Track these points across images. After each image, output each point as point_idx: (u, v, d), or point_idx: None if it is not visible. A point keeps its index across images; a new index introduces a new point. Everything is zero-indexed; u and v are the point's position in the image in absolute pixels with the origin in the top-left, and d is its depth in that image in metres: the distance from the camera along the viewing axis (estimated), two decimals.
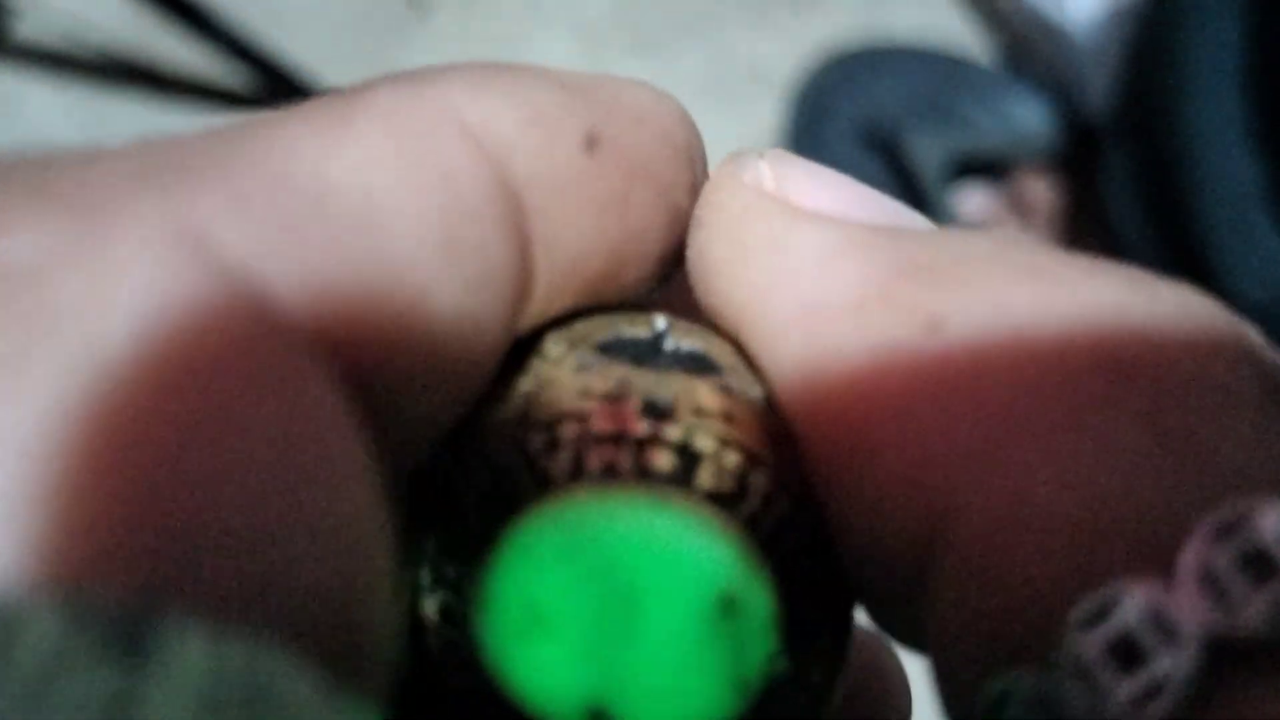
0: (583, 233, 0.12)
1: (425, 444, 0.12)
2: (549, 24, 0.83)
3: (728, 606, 0.12)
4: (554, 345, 0.13)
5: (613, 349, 0.13)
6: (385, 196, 0.11)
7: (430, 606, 0.13)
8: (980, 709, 0.10)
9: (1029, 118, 0.75)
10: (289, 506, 0.09)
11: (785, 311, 0.12)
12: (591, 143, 0.12)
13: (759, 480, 0.12)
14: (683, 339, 0.14)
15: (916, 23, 0.82)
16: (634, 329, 0.14)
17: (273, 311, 0.10)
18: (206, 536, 0.09)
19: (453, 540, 0.13)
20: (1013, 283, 0.11)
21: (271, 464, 0.09)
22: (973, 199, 0.76)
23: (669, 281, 0.14)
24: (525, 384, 0.13)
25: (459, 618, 0.13)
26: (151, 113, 0.81)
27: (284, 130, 0.11)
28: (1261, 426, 0.10)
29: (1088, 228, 0.71)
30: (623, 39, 0.83)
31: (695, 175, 0.14)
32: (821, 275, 0.12)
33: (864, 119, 0.75)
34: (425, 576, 0.13)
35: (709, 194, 0.14)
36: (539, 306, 0.13)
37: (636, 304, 0.14)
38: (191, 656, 0.08)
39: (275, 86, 0.77)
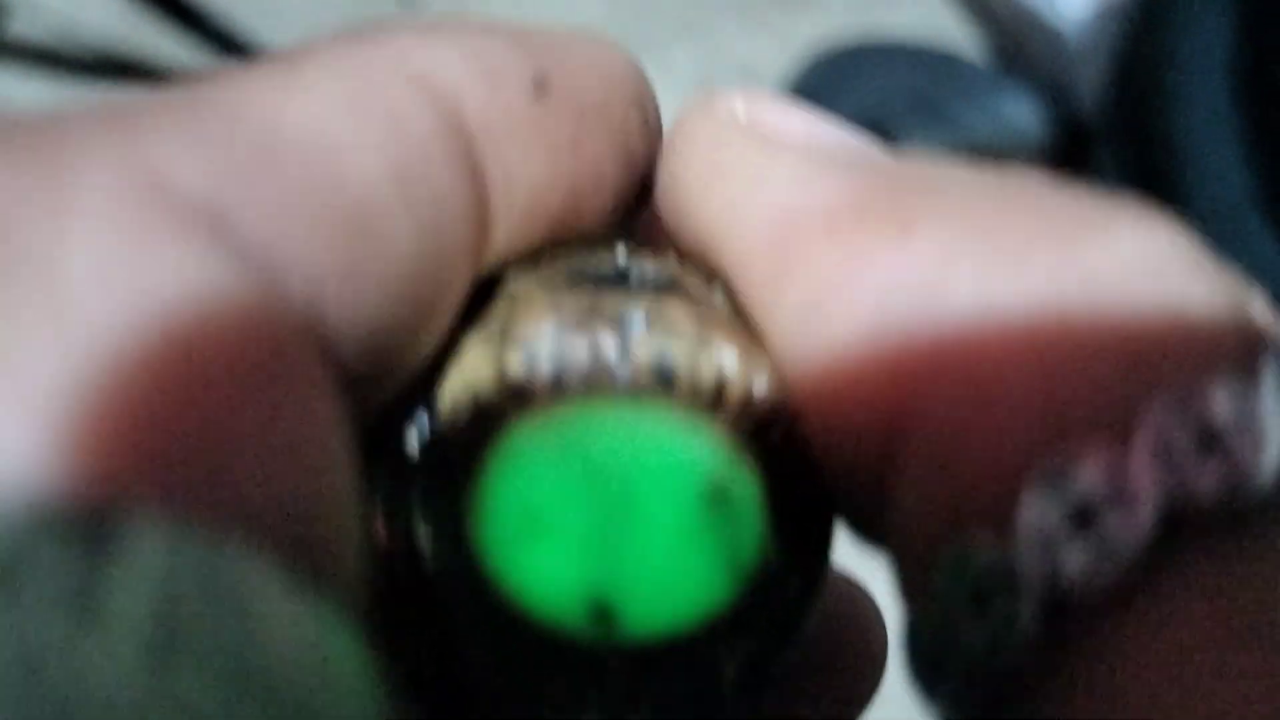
0: (538, 173, 0.13)
1: (394, 384, 0.12)
2: (540, 22, 0.83)
3: (717, 495, 0.12)
4: (522, 277, 0.14)
5: (579, 277, 0.14)
6: (337, 138, 0.11)
7: (423, 531, 0.13)
8: (938, 579, 0.11)
9: (1020, 115, 0.76)
10: (254, 419, 0.10)
11: (758, 225, 0.13)
12: (541, 86, 0.13)
13: (736, 382, 0.13)
14: (646, 264, 0.14)
15: (907, 21, 0.82)
16: (597, 259, 0.14)
17: (232, 242, 0.10)
18: (172, 443, 0.09)
19: (440, 464, 0.13)
20: (985, 197, 0.12)
21: (236, 380, 0.10)
22: None
23: (626, 225, 0.15)
24: (497, 312, 0.13)
25: (454, 537, 0.13)
26: None
27: (237, 82, 0.11)
28: (1217, 335, 0.11)
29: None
30: (614, 38, 0.83)
31: (646, 118, 0.14)
32: (796, 190, 0.13)
33: (855, 117, 0.75)
34: (416, 503, 0.13)
35: (682, 124, 0.14)
36: (500, 247, 0.13)
37: (597, 236, 0.15)
38: (152, 553, 0.08)
39: None
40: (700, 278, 0.14)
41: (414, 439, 0.13)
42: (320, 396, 0.10)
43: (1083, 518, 0.10)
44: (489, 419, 0.13)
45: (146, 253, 0.09)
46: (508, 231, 0.13)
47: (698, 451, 0.12)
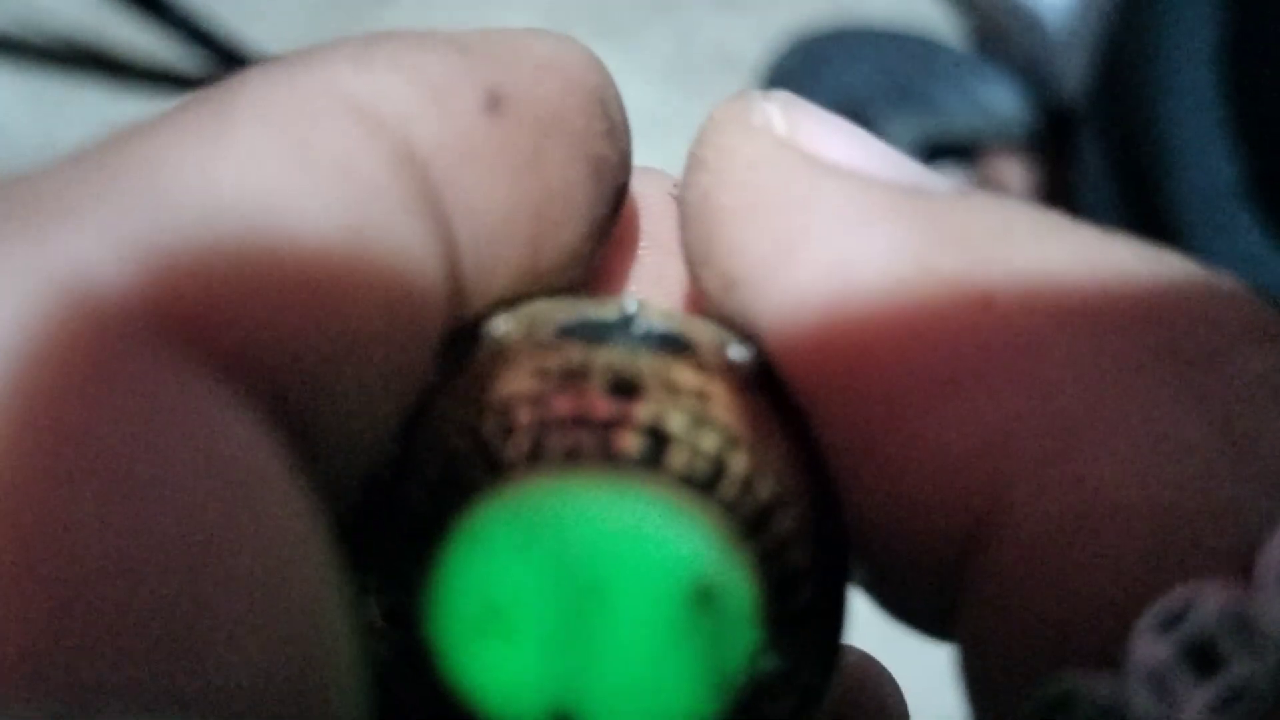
0: (500, 198, 0.12)
1: (371, 451, 0.11)
2: (513, 8, 0.82)
3: (703, 597, 0.11)
4: (509, 326, 0.12)
5: (576, 330, 0.12)
6: (280, 196, 0.10)
7: (377, 610, 0.12)
8: (1030, 714, 0.10)
9: (1000, 100, 0.75)
10: (217, 564, 0.08)
11: (809, 273, 0.11)
12: (493, 102, 0.12)
13: (739, 462, 0.12)
14: (656, 320, 0.12)
15: (886, 5, 0.82)
16: (600, 311, 0.12)
17: (175, 348, 0.09)
18: (128, 623, 0.08)
19: (401, 536, 0.12)
20: (1061, 258, 0.11)
21: (190, 519, 0.08)
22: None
23: (608, 239, 0.14)
24: (477, 366, 0.12)
25: (409, 620, 0.11)
26: (109, 100, 0.79)
27: (160, 142, 0.10)
28: None
29: (1061, 211, 0.71)
30: (588, 22, 0.82)
31: (611, 120, 0.13)
32: (851, 237, 0.11)
33: (834, 102, 0.75)
34: (372, 577, 0.12)
35: (712, 135, 0.13)
36: (472, 284, 0.12)
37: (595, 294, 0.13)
38: None
39: (233, 72, 0.76)
40: (716, 330, 0.13)
41: (376, 500, 0.12)
42: (301, 521, 0.09)
43: (1203, 656, 0.09)
44: (455, 488, 0.11)
45: (78, 380, 0.08)
46: (476, 263, 0.12)
47: (683, 542, 0.11)
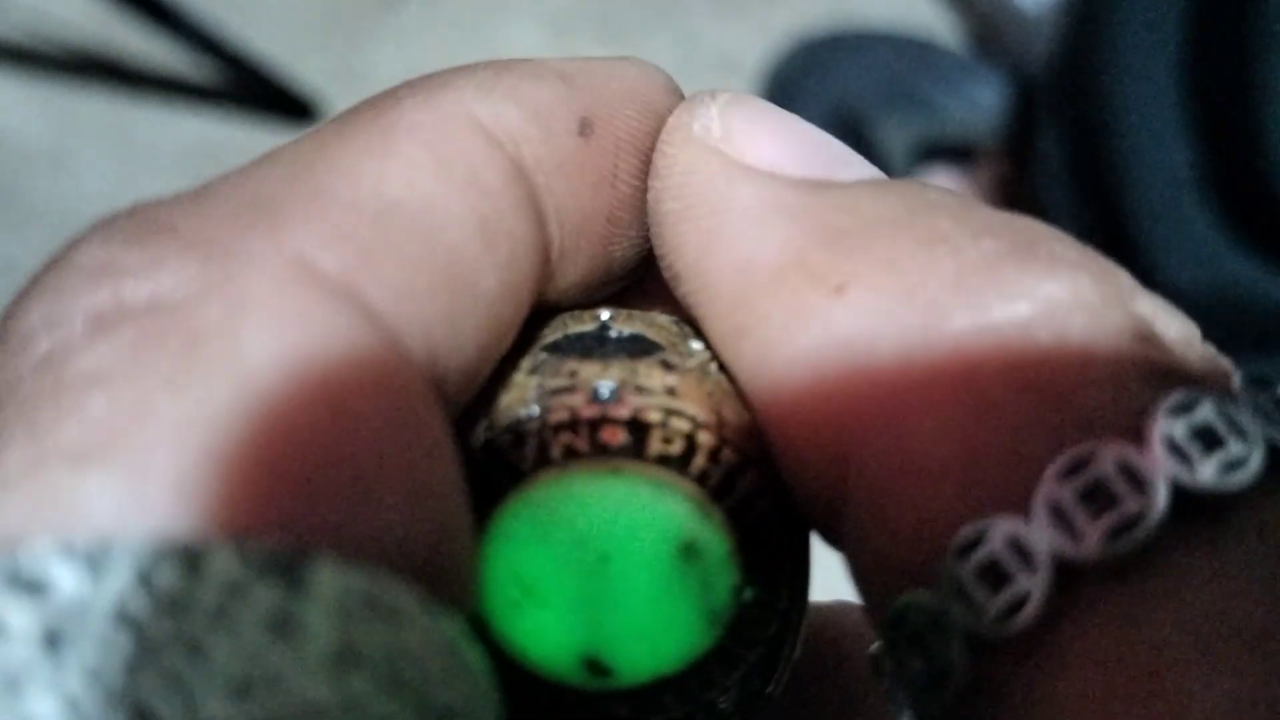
0: (583, 204, 0.15)
1: (466, 400, 0.14)
2: (517, 14, 0.83)
3: (688, 551, 0.13)
4: (518, 358, 0.15)
5: (562, 347, 0.15)
6: (433, 202, 0.13)
7: None
8: (888, 621, 0.12)
9: (995, 102, 0.76)
10: (395, 464, 0.12)
11: (721, 273, 0.14)
12: (585, 127, 0.14)
13: (705, 439, 0.14)
14: (624, 325, 0.15)
15: (883, 8, 0.82)
16: (580, 325, 0.15)
17: (370, 318, 0.12)
18: (338, 491, 0.11)
19: None
20: (909, 248, 0.13)
21: (380, 430, 0.12)
22: (940, 183, 0.76)
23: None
24: (491, 390, 0.15)
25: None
26: (118, 108, 0.80)
27: (338, 156, 0.13)
28: (1117, 374, 0.12)
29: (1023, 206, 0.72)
30: (591, 28, 0.83)
31: None
32: (752, 237, 0.14)
33: (832, 105, 0.76)
34: None
35: (664, 143, 0.15)
36: (557, 270, 0.15)
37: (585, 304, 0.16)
38: (331, 580, 0.11)
39: (242, 80, 0.77)
40: (676, 322, 0.15)
41: None
42: (442, 436, 0.12)
43: (995, 575, 0.11)
44: (484, 493, 0.14)
45: (306, 335, 0.11)
46: (561, 254, 0.15)
47: (667, 510, 0.13)
